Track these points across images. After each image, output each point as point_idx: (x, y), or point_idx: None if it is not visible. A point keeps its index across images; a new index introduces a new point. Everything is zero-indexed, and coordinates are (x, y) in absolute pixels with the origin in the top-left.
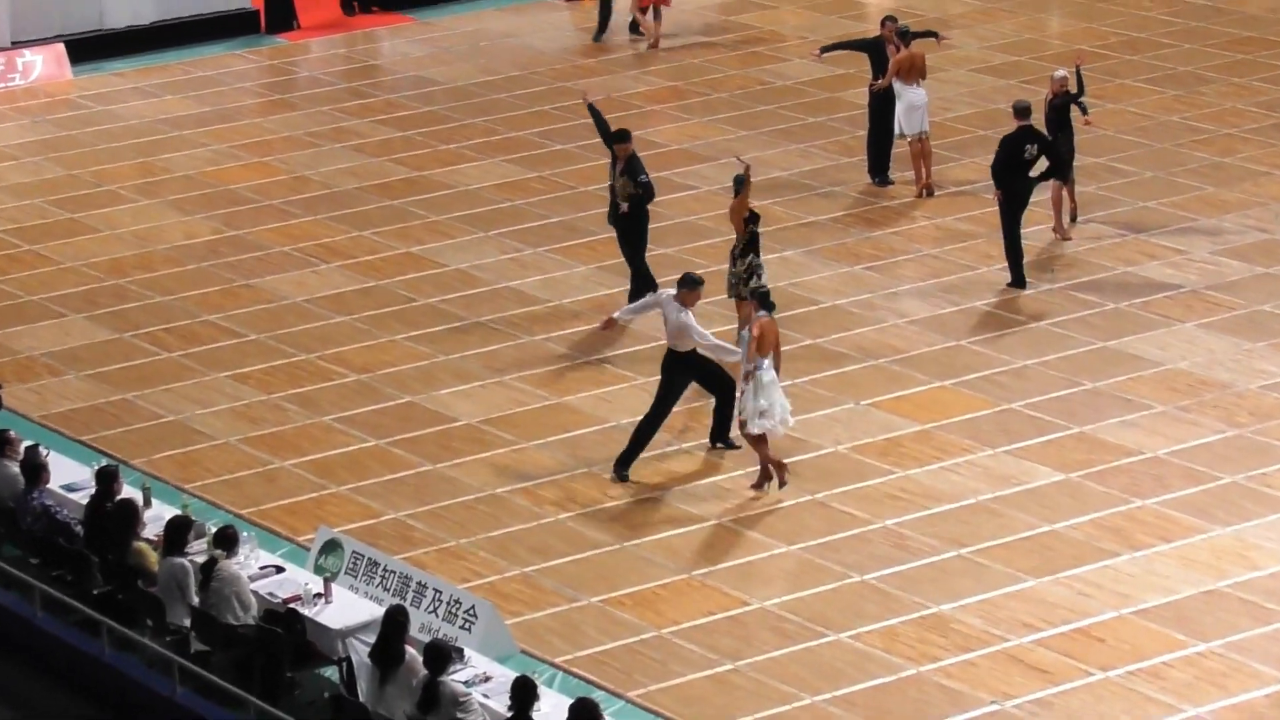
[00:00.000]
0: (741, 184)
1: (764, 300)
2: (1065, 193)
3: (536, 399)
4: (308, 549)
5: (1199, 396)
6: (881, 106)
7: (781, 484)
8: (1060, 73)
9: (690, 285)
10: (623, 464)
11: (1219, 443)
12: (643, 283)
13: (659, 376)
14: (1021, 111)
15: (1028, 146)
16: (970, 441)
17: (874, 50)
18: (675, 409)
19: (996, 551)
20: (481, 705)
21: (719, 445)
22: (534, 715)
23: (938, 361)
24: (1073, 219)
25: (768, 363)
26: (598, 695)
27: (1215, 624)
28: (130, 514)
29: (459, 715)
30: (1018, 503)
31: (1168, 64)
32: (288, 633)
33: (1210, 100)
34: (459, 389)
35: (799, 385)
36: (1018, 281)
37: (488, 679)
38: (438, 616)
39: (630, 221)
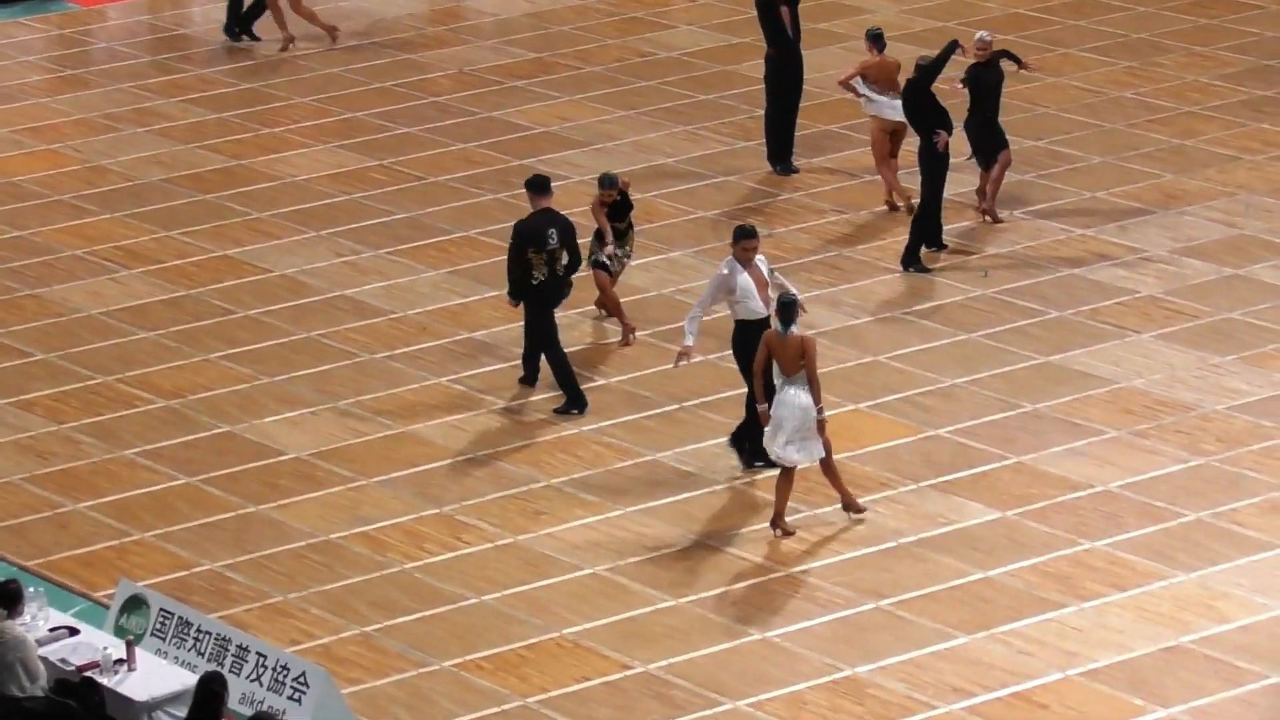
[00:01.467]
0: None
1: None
2: (994, 173)
3: (378, 428)
4: (107, 607)
5: (1157, 420)
6: (785, 83)
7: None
8: (983, 34)
9: (739, 237)
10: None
11: (1181, 474)
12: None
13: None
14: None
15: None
16: (889, 474)
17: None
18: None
19: (921, 603)
20: None
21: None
22: None
23: (851, 380)
24: (989, 206)
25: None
26: None
27: (1178, 686)
28: None
29: None
30: (946, 546)
31: (1119, 30)
32: (83, 706)
33: (1168, 73)
34: (286, 416)
35: (687, 409)
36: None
37: None
38: (262, 685)
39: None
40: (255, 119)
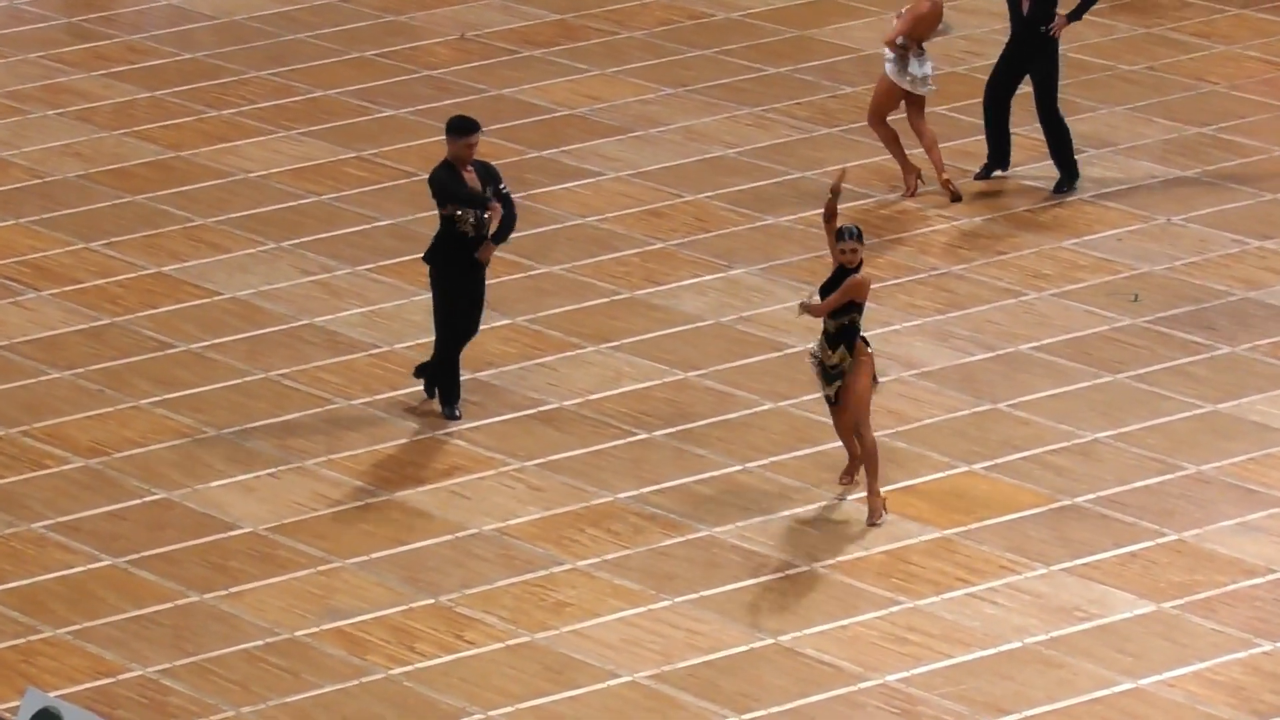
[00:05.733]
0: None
1: None
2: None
3: (355, 495)
4: None
5: None
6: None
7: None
8: None
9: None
10: None
11: None
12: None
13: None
14: None
15: None
16: (1013, 555)
17: None
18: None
19: None
20: None
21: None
22: None
23: (964, 435)
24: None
25: None
26: None
27: None
28: None
29: None
30: (1085, 647)
31: None
32: None
33: None
34: (238, 480)
35: (751, 471)
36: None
37: None
38: None
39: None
40: (198, 98)
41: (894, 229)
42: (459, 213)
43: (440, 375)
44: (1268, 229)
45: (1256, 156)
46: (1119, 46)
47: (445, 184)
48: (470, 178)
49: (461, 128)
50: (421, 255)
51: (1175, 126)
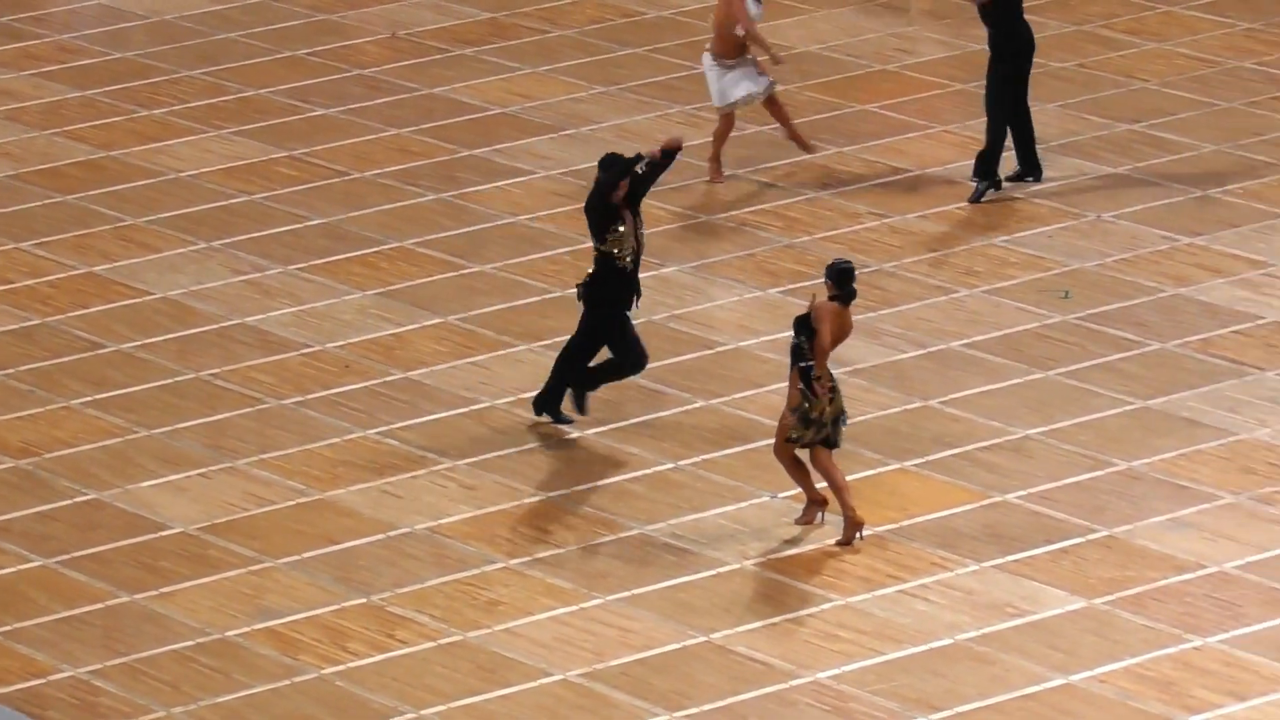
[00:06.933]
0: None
1: None
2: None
3: (288, 494)
4: None
5: None
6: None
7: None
8: None
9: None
10: None
11: None
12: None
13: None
14: None
15: None
16: (944, 552)
17: None
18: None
19: (983, 716)
20: None
21: None
22: None
23: (895, 432)
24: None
25: None
26: None
27: None
28: None
29: None
30: (1017, 643)
31: None
32: None
33: None
34: (169, 480)
35: (684, 469)
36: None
37: None
38: None
39: None
40: (129, 97)
41: (825, 226)
42: (619, 230)
43: (582, 383)
44: (1198, 226)
45: (1187, 153)
46: (1050, 44)
47: (600, 189)
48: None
49: (604, 165)
50: (577, 294)
51: (1106, 123)
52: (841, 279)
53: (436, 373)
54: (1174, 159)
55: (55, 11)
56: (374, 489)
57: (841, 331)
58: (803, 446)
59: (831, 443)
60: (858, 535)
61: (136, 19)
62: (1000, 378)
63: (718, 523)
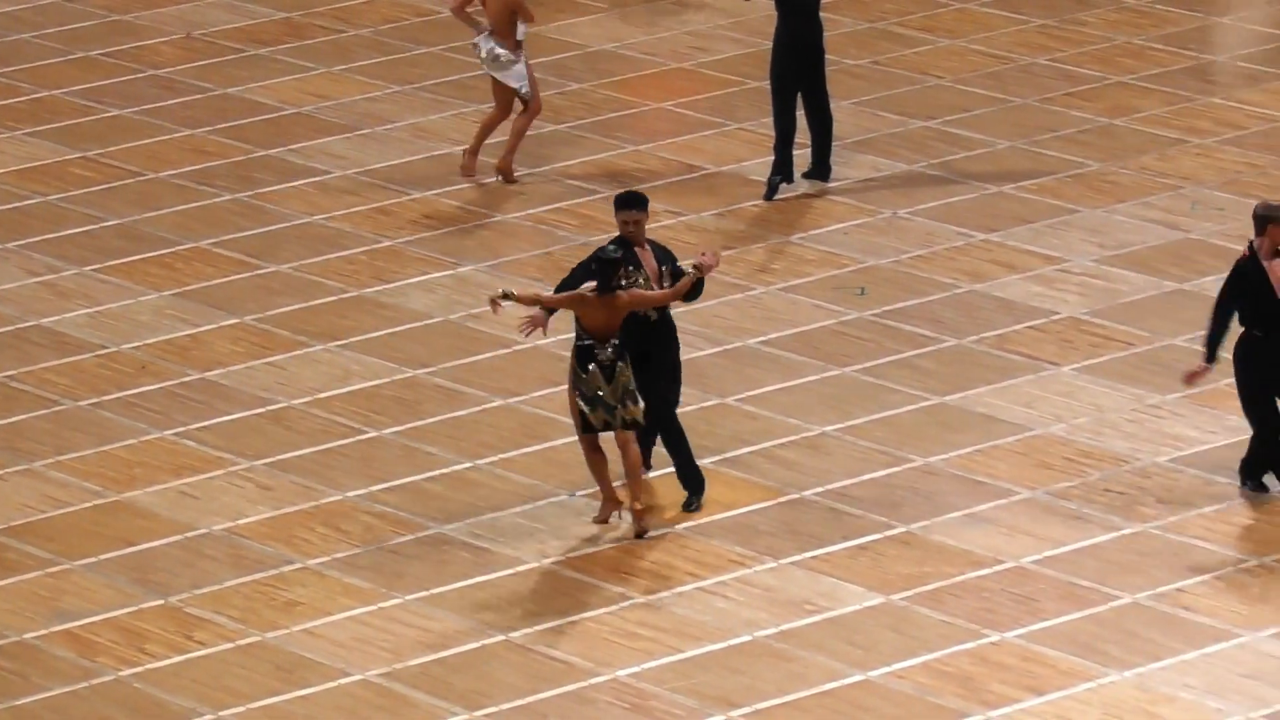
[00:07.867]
0: None
1: None
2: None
3: (84, 496)
4: None
5: (1082, 476)
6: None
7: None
8: None
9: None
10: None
11: (1113, 545)
12: None
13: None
14: None
15: None
16: (742, 549)
17: None
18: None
19: (784, 714)
20: None
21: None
22: None
23: (691, 430)
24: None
25: None
26: None
27: None
28: None
29: None
30: (815, 640)
31: None
32: None
33: (1094, 33)
34: None
35: (481, 469)
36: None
37: None
38: None
39: None
40: None
41: None
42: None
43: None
44: (993, 222)
45: (981, 150)
46: (843, 41)
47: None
48: (645, 256)
49: (621, 202)
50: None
51: (900, 120)
52: (601, 270)
53: (233, 373)
54: (968, 155)
55: None
56: (171, 490)
57: (589, 318)
58: (602, 429)
59: (628, 424)
60: (646, 533)
61: None
62: (797, 375)
63: (516, 521)
